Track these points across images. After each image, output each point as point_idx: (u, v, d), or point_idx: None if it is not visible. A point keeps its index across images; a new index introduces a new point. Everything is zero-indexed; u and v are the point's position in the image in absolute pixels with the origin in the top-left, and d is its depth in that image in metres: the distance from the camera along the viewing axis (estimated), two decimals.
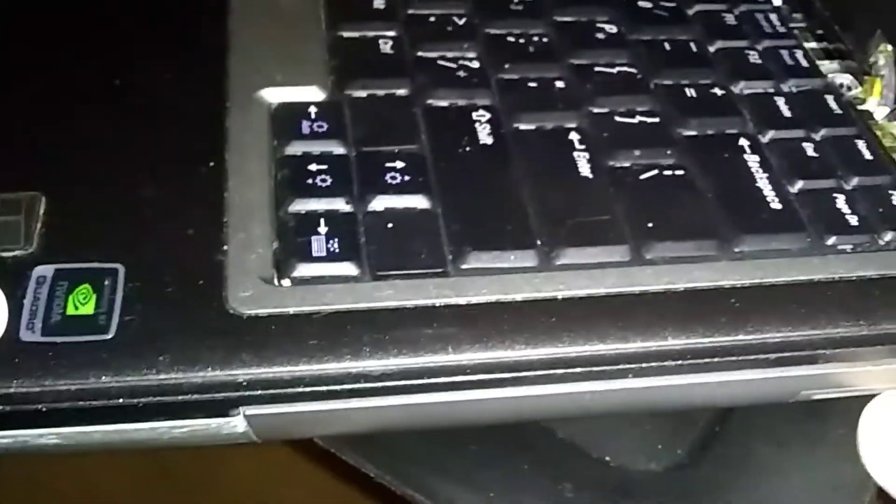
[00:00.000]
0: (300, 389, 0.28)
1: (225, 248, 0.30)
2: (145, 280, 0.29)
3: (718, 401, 0.31)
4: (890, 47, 0.38)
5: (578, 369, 0.29)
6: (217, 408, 0.28)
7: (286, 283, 0.30)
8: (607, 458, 0.39)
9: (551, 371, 0.29)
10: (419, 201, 0.32)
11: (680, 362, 0.29)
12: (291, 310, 0.28)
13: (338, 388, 0.28)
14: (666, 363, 0.29)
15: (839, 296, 0.31)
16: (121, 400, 0.27)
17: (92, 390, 0.27)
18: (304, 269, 0.29)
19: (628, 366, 0.29)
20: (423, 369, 0.28)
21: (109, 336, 0.27)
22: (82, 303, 0.28)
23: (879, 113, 0.38)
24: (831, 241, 0.33)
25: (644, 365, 0.29)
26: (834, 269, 0.31)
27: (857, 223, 0.33)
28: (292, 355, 0.28)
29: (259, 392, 0.27)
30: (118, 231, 0.30)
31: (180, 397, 0.27)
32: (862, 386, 0.32)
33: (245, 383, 0.27)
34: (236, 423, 0.28)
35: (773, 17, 0.41)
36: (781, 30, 0.41)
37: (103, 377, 0.27)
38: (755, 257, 0.32)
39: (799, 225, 0.33)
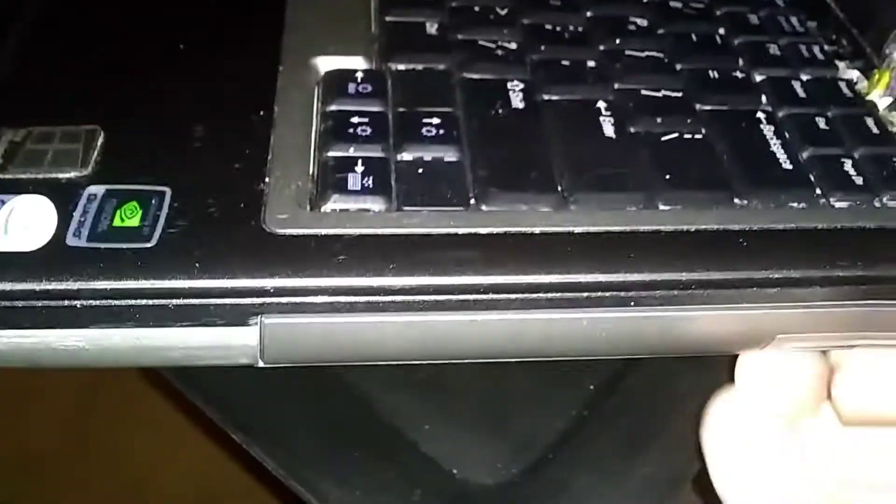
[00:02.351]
0: (320, 300, 0.27)
1: (267, 179, 0.29)
2: (190, 202, 0.28)
3: (713, 337, 0.29)
4: None
5: (587, 294, 0.27)
6: (239, 314, 0.27)
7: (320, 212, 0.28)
8: (455, 471, 0.43)
9: (561, 294, 0.27)
10: (450, 152, 0.31)
11: (686, 292, 0.28)
12: (322, 231, 0.27)
13: (357, 300, 0.26)
14: (672, 293, 0.28)
15: (839, 241, 0.30)
16: (152, 301, 0.26)
17: (127, 290, 0.26)
18: (337, 201, 0.29)
19: (635, 293, 0.28)
20: (439, 287, 0.27)
21: (150, 245, 0.27)
22: (129, 217, 0.27)
23: (882, 103, 0.36)
24: (835, 197, 0.31)
25: (651, 293, 0.28)
26: (836, 220, 0.30)
27: (861, 183, 0.31)
28: (318, 268, 0.27)
29: (281, 300, 0.26)
30: (169, 161, 0.30)
31: (208, 300, 0.26)
32: (854, 328, 0.30)
33: (270, 290, 0.26)
34: (249, 335, 0.27)
35: (794, 19, 0.40)
36: (800, 29, 0.39)
37: (139, 279, 0.26)
38: (764, 207, 0.30)
39: (806, 182, 0.31)
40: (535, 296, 0.27)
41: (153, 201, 0.28)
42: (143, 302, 0.26)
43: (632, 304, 0.28)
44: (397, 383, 0.45)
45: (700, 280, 0.28)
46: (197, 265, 0.26)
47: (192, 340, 0.27)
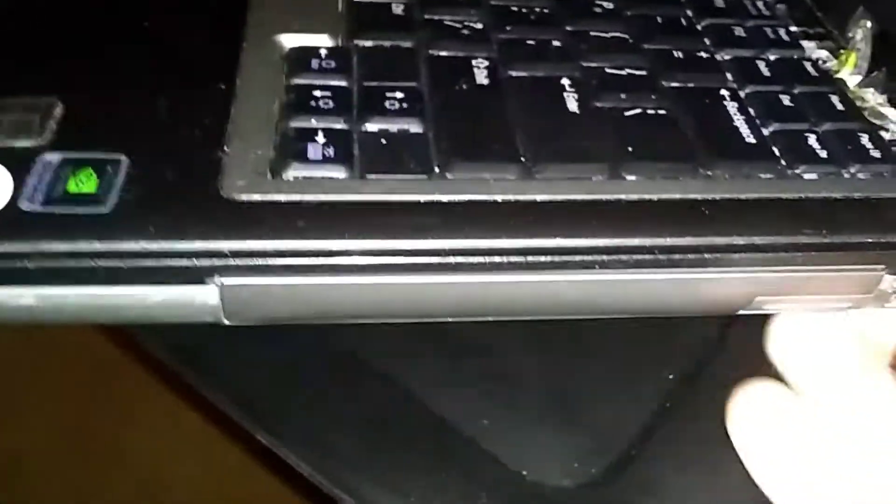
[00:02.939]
0: (278, 262, 0.26)
1: (226, 148, 0.28)
2: (147, 169, 0.27)
3: (678, 303, 0.29)
4: (869, 23, 0.36)
5: (548, 258, 0.27)
6: (195, 275, 0.26)
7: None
8: (524, 472, 0.37)
9: (523, 258, 0.26)
10: (414, 124, 0.30)
11: (647, 257, 0.27)
12: (282, 197, 0.26)
13: (315, 262, 0.25)
14: (634, 257, 0.27)
15: (804, 210, 0.29)
16: (105, 262, 0.25)
17: (79, 252, 0.25)
18: (298, 169, 0.28)
19: (597, 257, 0.27)
20: (400, 250, 0.26)
21: (105, 210, 0.26)
22: (84, 183, 0.26)
23: (852, 81, 0.35)
24: (800, 169, 0.30)
25: (612, 257, 0.27)
26: (801, 190, 0.29)
27: (826, 156, 0.30)
28: (276, 231, 0.26)
29: (238, 262, 0.26)
30: (128, 131, 0.29)
31: (162, 261, 0.25)
32: (814, 293, 0.30)
33: (226, 252, 0.25)
34: (209, 294, 0.26)
35: (759, 2, 0.39)
36: (766, 13, 0.39)
37: (92, 242, 0.25)
38: (728, 178, 0.29)
39: (771, 155, 0.31)
40: (497, 259, 0.27)
41: (109, 168, 0.27)
42: (97, 263, 0.25)
43: (597, 267, 0.26)
44: (446, 375, 0.39)
45: (662, 246, 0.27)
46: (151, 228, 0.25)
47: (149, 300, 0.26)
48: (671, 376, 0.39)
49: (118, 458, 0.87)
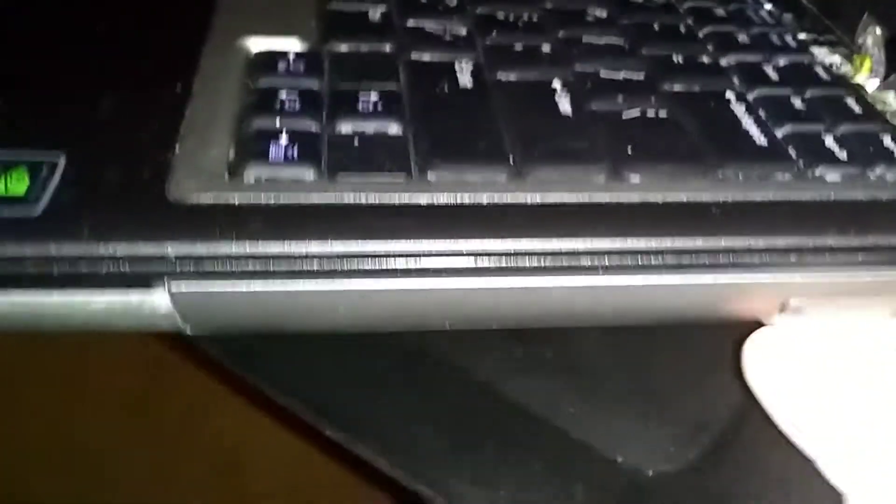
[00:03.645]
0: (232, 267, 0.22)
1: (177, 149, 0.25)
2: (88, 169, 0.24)
3: (693, 310, 0.25)
4: (878, 29, 0.32)
5: (543, 260, 0.23)
6: (139, 280, 0.22)
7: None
8: (619, 459, 0.34)
9: (514, 261, 0.23)
10: (391, 126, 0.27)
11: (655, 260, 0.23)
12: (237, 199, 0.23)
13: (274, 267, 0.21)
14: (640, 259, 0.23)
15: (827, 211, 0.25)
16: (35, 267, 0.21)
17: (6, 257, 0.21)
18: (257, 170, 0.24)
19: (599, 260, 0.23)
20: (368, 253, 0.23)
21: (37, 212, 0.22)
22: (14, 183, 0.23)
23: (871, 86, 0.32)
24: (819, 170, 0.27)
25: (616, 260, 0.23)
26: (822, 192, 0.26)
27: (845, 157, 0.27)
28: (229, 232, 0.22)
29: (186, 266, 0.22)
30: (70, 131, 0.25)
31: (100, 266, 0.22)
32: (841, 301, 0.26)
33: (173, 256, 0.22)
34: (159, 300, 0.22)
35: (763, 12, 0.36)
36: (770, 21, 0.35)
37: (21, 246, 0.22)
38: (739, 180, 0.26)
39: (786, 156, 0.27)
40: (481, 262, 0.23)
41: (44, 168, 0.23)
42: (25, 269, 0.21)
43: (601, 271, 0.23)
44: (522, 365, 0.37)
45: (671, 248, 0.23)
46: (87, 230, 0.22)
47: (91, 307, 0.22)
48: None
49: (192, 440, 0.85)
